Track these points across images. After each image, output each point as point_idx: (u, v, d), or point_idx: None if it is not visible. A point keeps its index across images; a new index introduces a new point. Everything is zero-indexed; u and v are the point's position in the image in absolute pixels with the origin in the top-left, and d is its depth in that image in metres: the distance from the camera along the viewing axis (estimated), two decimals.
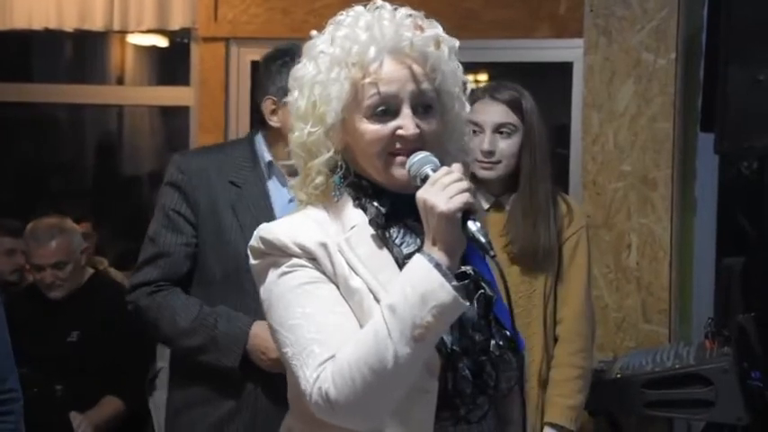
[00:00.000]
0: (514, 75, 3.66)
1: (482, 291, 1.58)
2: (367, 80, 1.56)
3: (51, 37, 4.67)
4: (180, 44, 4.56)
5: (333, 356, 1.49)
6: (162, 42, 4.89)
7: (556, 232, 2.64)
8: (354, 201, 1.61)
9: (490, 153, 2.61)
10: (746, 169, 3.91)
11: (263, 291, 1.61)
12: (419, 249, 1.56)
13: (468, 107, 1.67)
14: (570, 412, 2.59)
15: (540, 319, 2.63)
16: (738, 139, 3.21)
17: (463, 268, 1.53)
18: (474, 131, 2.60)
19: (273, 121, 2.49)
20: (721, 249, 3.73)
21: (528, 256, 2.61)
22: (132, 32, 4.57)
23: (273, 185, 2.56)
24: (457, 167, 1.53)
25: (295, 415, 1.66)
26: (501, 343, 1.60)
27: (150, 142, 5.38)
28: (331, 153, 1.60)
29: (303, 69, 1.62)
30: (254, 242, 1.62)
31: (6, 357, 2.08)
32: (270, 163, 2.57)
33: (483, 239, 1.49)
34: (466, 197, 1.48)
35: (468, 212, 1.49)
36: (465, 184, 1.50)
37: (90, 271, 3.74)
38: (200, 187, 2.50)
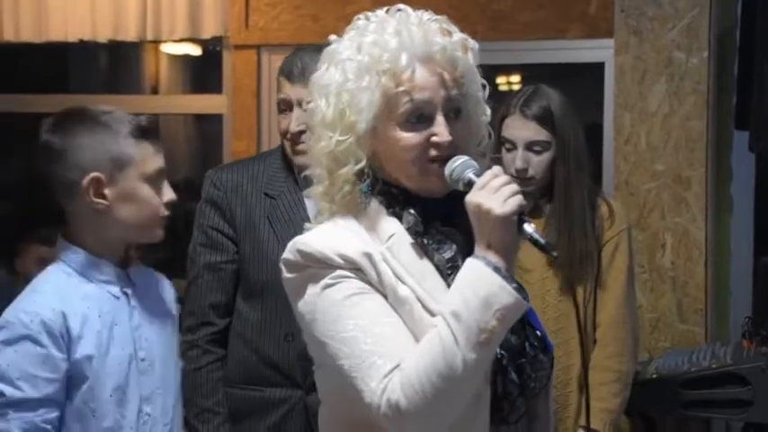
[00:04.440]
0: (546, 76, 3.65)
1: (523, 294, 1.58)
2: (400, 88, 1.56)
3: (86, 48, 4.73)
4: (212, 52, 4.60)
5: (397, 366, 1.48)
6: (194, 51, 4.94)
7: (594, 236, 2.63)
8: (388, 209, 1.61)
9: (524, 171, 2.61)
10: None
11: (302, 304, 1.59)
12: (456, 254, 1.57)
13: (488, 110, 1.67)
14: (605, 416, 2.58)
15: (578, 323, 2.62)
16: None
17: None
18: (507, 148, 2.61)
19: None
20: (759, 248, 3.69)
21: (565, 262, 2.60)
22: (165, 42, 4.62)
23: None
24: (499, 170, 1.53)
25: (339, 424, 1.65)
26: (535, 344, 1.61)
27: (185, 150, 5.44)
28: (362, 163, 1.58)
29: (328, 76, 1.61)
30: (289, 255, 1.60)
31: None
32: (301, 172, 2.59)
33: (542, 240, 1.50)
34: (520, 199, 1.49)
35: (521, 214, 1.50)
36: (516, 186, 1.51)
37: None
38: (235, 201, 2.53)
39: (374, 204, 1.61)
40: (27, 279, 4.44)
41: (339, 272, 1.54)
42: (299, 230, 2.54)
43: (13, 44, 4.46)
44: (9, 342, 1.84)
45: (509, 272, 1.49)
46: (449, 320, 1.47)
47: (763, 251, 3.59)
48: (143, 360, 2.01)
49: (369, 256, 1.54)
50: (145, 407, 2.00)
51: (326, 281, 1.55)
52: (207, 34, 4.33)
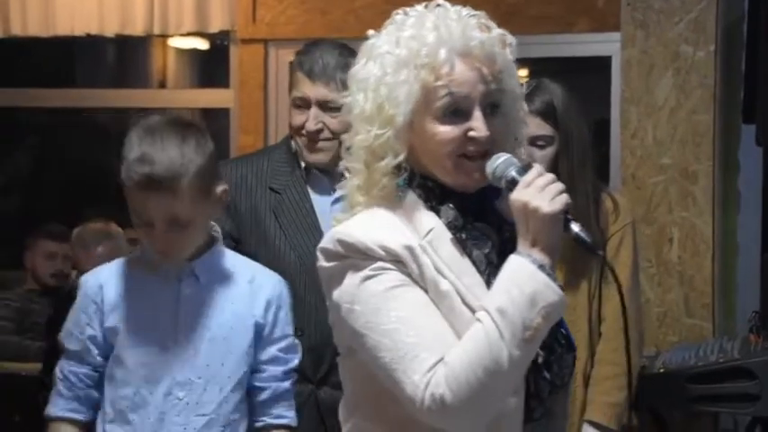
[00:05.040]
0: (553, 70, 3.64)
1: None
2: (439, 82, 1.56)
3: (94, 43, 4.74)
4: (219, 46, 4.60)
5: (440, 360, 1.48)
6: (202, 45, 4.94)
7: (599, 231, 2.63)
8: (426, 203, 1.61)
9: None
10: None
11: (339, 294, 1.59)
12: (492, 250, 1.58)
13: (525, 106, 1.68)
14: (610, 410, 2.58)
15: (584, 317, 2.63)
16: None
17: None
18: None
19: None
20: (766, 242, 3.69)
21: (568, 257, 2.60)
22: (172, 36, 4.62)
23: (311, 190, 2.58)
24: (542, 168, 1.54)
25: (369, 417, 1.64)
26: (562, 342, 1.62)
27: None
28: (401, 157, 1.59)
29: (365, 70, 1.61)
30: (328, 244, 1.59)
31: None
32: (307, 169, 2.59)
33: (588, 239, 1.50)
34: (566, 198, 1.50)
35: (567, 213, 1.51)
36: (561, 185, 1.51)
37: None
38: (240, 196, 2.53)
39: (411, 198, 1.61)
40: (34, 274, 4.49)
41: (380, 263, 1.54)
42: (305, 225, 2.56)
43: (21, 38, 4.47)
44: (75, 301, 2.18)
45: (553, 270, 1.50)
46: (494, 316, 1.47)
47: None
48: (182, 346, 2.08)
49: (410, 249, 1.54)
50: (177, 391, 2.08)
51: (367, 272, 1.54)
52: (214, 28, 4.34)
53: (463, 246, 1.58)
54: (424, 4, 1.63)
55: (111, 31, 4.40)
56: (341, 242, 1.57)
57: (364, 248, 1.55)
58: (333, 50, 2.54)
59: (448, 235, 1.58)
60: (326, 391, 2.53)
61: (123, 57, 5.38)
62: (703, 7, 3.48)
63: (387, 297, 1.53)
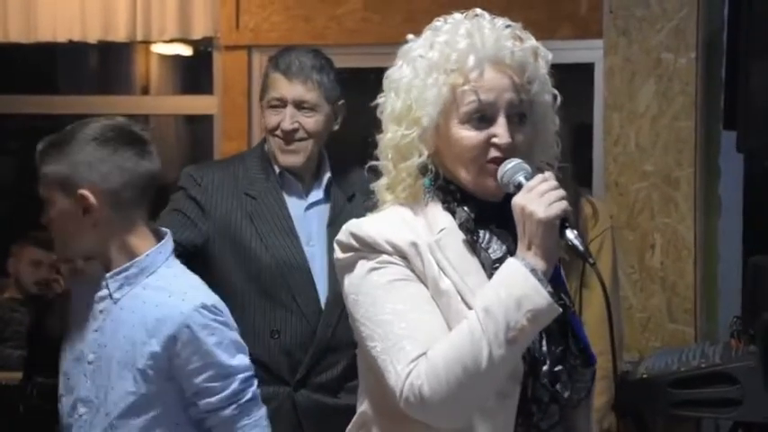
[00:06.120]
0: None
1: (562, 301, 1.61)
2: (466, 87, 1.60)
3: (76, 49, 4.72)
4: (203, 53, 4.59)
5: (424, 354, 1.52)
6: (185, 51, 4.92)
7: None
8: (443, 204, 1.65)
9: None
10: None
11: (348, 283, 1.64)
12: (505, 255, 1.60)
13: (557, 120, 1.70)
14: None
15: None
16: (761, 135, 3.20)
17: None
18: None
19: None
20: (747, 247, 3.71)
21: None
22: (155, 42, 4.61)
23: (285, 194, 2.59)
24: (550, 175, 1.56)
25: (371, 407, 1.69)
26: (576, 354, 1.63)
27: (175, 151, 5.42)
28: (424, 157, 1.63)
29: (399, 72, 1.66)
30: (343, 237, 1.65)
31: None
32: (281, 173, 2.59)
33: (581, 247, 1.52)
34: (564, 205, 1.52)
35: (564, 220, 1.53)
36: (562, 191, 1.54)
37: None
38: (215, 200, 2.53)
39: (433, 198, 1.65)
40: (18, 281, 4.46)
41: (386, 257, 1.59)
42: (282, 228, 2.56)
43: (2, 44, 4.45)
44: None
45: (546, 275, 1.52)
46: (480, 315, 1.50)
47: (752, 251, 3.61)
48: (90, 363, 2.06)
49: (415, 245, 1.59)
50: (80, 406, 2.07)
51: (373, 264, 1.60)
52: (197, 35, 4.33)
53: (473, 247, 1.61)
54: (463, 12, 1.67)
55: (93, 37, 4.38)
56: (353, 235, 1.63)
57: (372, 242, 1.60)
58: (307, 53, 2.59)
59: (460, 235, 1.61)
60: (304, 393, 2.53)
61: (106, 63, 5.35)
62: (684, 15, 3.50)
63: (387, 289, 1.58)
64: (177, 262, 2.14)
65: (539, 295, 1.49)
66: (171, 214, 2.56)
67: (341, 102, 2.63)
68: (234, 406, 2.08)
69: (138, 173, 2.05)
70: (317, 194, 2.63)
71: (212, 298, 2.10)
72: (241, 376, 2.09)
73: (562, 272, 1.63)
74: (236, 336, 2.12)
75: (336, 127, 2.64)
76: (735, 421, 3.01)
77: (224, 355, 2.06)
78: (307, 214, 2.60)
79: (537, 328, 1.52)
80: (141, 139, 2.08)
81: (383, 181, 1.69)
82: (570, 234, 1.53)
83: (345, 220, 2.60)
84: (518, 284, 1.50)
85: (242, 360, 2.11)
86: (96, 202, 2.01)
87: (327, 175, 2.65)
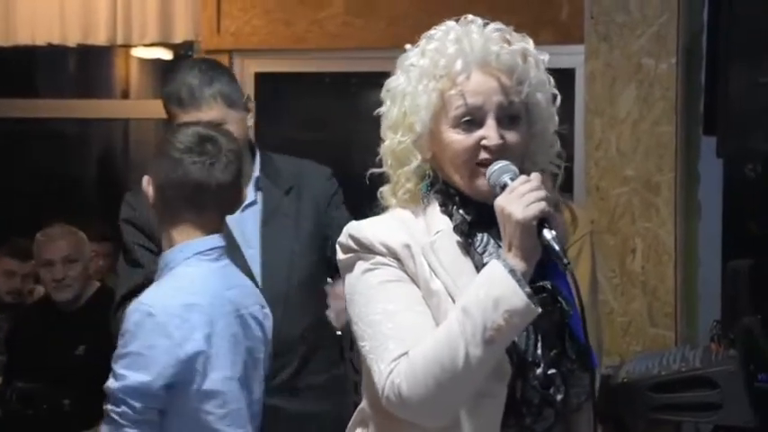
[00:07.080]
0: None
1: (559, 305, 1.60)
2: (453, 91, 1.61)
3: (55, 52, 4.70)
4: (183, 57, 4.58)
5: (406, 353, 1.54)
6: (166, 55, 4.91)
7: None
8: (441, 207, 1.66)
9: None
10: (751, 171, 3.90)
11: (347, 284, 1.67)
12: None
13: (556, 119, 1.70)
14: None
15: None
16: (740, 141, 3.23)
17: (541, 283, 1.58)
18: None
19: None
20: (727, 252, 3.73)
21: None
22: (136, 46, 4.59)
23: None
24: (536, 176, 1.56)
25: (369, 403, 1.71)
26: (573, 358, 1.63)
27: None
28: (419, 162, 1.66)
29: (395, 81, 1.68)
30: (343, 239, 1.68)
31: None
32: None
33: (557, 247, 1.52)
34: (542, 206, 1.52)
35: (543, 220, 1.53)
36: (542, 192, 1.54)
37: (97, 284, 3.76)
38: (151, 220, 2.49)
39: (432, 202, 1.68)
40: None
41: (380, 258, 1.62)
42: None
43: None
44: None
45: (526, 276, 1.52)
46: (458, 315, 1.52)
47: (731, 255, 3.63)
48: None
49: (408, 247, 1.61)
50: None
51: (368, 265, 1.63)
52: (178, 39, 4.32)
53: (467, 250, 1.63)
54: (455, 18, 1.68)
55: (73, 40, 4.36)
56: (352, 237, 1.66)
57: (369, 244, 1.63)
58: (191, 70, 2.54)
59: (455, 238, 1.63)
60: (284, 399, 2.51)
61: (86, 66, 5.33)
62: (664, 21, 3.52)
63: (379, 290, 1.61)
64: (202, 263, 2.20)
65: (516, 296, 1.50)
66: (123, 264, 2.57)
67: (245, 96, 2.60)
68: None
69: (189, 177, 2.19)
70: (249, 196, 2.60)
71: (168, 302, 2.15)
72: (120, 395, 2.12)
73: (568, 278, 1.62)
74: (139, 350, 2.12)
75: (251, 122, 2.62)
76: (715, 425, 3.02)
77: (118, 365, 2.13)
78: (242, 217, 2.57)
79: (515, 329, 1.52)
80: (207, 151, 2.20)
81: (387, 186, 1.73)
82: (547, 234, 1.53)
83: (284, 215, 2.64)
84: (496, 285, 1.51)
85: (135, 378, 2.11)
86: (151, 191, 2.24)
87: (255, 174, 2.63)
